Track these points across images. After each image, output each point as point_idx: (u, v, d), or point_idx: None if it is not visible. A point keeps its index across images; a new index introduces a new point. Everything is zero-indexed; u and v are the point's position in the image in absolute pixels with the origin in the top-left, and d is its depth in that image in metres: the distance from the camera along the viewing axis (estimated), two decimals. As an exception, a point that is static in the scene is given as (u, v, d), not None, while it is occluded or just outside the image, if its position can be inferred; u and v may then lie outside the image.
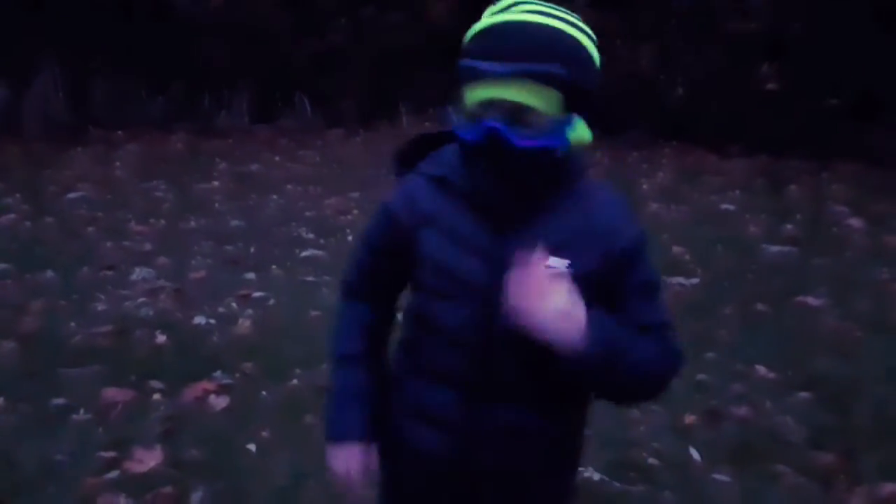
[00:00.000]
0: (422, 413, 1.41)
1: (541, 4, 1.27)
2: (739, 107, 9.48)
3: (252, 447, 2.86)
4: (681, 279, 4.68)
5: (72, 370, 3.33)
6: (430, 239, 1.35)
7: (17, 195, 6.28)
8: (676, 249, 5.29)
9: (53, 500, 2.51)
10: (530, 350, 1.25)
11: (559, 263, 1.27)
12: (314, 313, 3.95)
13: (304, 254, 5.17)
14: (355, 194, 6.66)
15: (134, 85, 9.79)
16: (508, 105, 1.22)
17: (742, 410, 3.22)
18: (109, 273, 4.66)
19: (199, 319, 3.97)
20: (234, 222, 5.89)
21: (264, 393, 3.27)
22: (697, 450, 2.91)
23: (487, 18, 1.27)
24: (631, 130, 9.30)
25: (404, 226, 1.38)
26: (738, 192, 7.29)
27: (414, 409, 1.42)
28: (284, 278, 4.68)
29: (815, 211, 6.58)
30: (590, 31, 1.29)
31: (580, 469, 1.87)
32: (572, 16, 1.28)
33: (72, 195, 6.44)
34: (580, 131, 1.26)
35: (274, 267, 4.86)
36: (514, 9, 1.26)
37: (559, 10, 1.27)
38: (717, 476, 2.76)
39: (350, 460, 1.45)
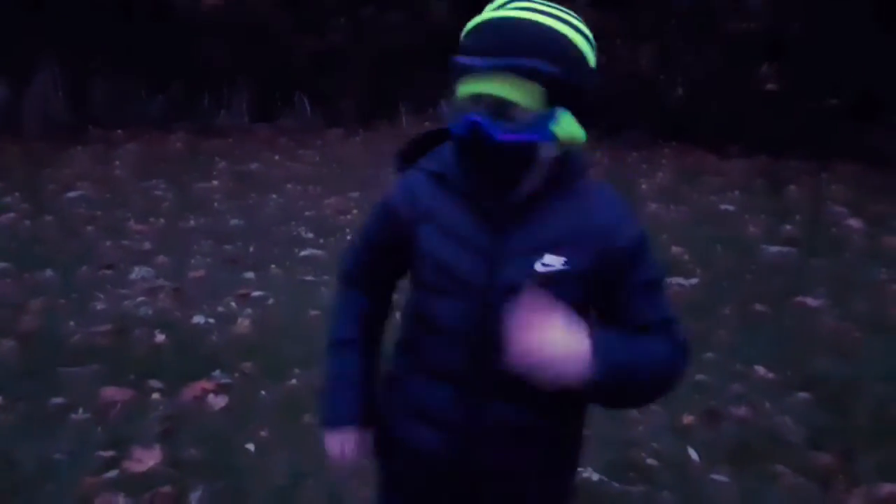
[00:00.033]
0: (421, 412, 1.41)
1: (536, 3, 1.27)
2: (739, 107, 9.49)
3: (251, 447, 2.86)
4: (680, 279, 4.68)
5: (71, 369, 3.33)
6: (429, 235, 1.36)
7: (17, 194, 6.28)
8: (676, 250, 5.30)
9: (52, 500, 2.51)
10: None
11: (555, 261, 1.29)
12: (313, 313, 3.95)
13: (303, 253, 5.17)
14: (355, 194, 6.66)
15: (134, 84, 9.79)
16: (492, 99, 1.24)
17: (741, 411, 3.22)
18: (109, 272, 4.66)
19: (198, 319, 3.97)
20: (234, 221, 5.90)
21: (263, 392, 3.27)
22: (696, 450, 2.91)
23: (481, 15, 1.29)
24: (630, 130, 9.31)
25: (403, 220, 1.39)
26: (737, 192, 7.29)
27: (413, 409, 1.42)
28: (284, 278, 4.68)
29: (814, 211, 6.58)
30: (585, 31, 1.29)
31: (579, 469, 1.87)
32: (569, 14, 1.28)
33: (71, 194, 6.45)
34: (566, 126, 1.26)
35: (273, 266, 4.86)
36: (509, 6, 1.27)
37: (554, 8, 1.27)
38: (716, 476, 2.76)
39: (346, 444, 1.47)
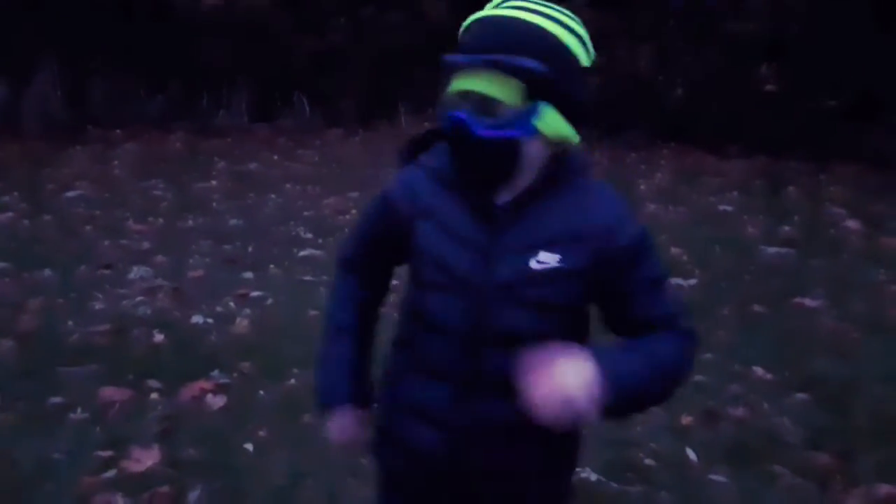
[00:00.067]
0: (417, 410, 1.41)
1: (531, 2, 1.28)
2: (738, 108, 9.49)
3: (249, 446, 2.86)
4: (679, 280, 4.68)
5: (69, 369, 3.33)
6: (428, 232, 1.36)
7: (16, 193, 6.28)
8: (674, 250, 5.30)
9: (51, 499, 2.51)
10: (523, 346, 1.25)
11: (550, 259, 1.29)
12: (312, 313, 3.94)
13: (302, 253, 5.17)
14: (354, 194, 6.66)
15: (133, 84, 9.79)
16: (478, 96, 1.25)
17: (739, 411, 3.22)
18: (107, 272, 4.66)
19: (197, 318, 3.97)
20: (233, 221, 5.90)
21: (262, 392, 3.27)
22: (694, 450, 2.92)
23: (475, 14, 1.30)
24: (629, 131, 9.31)
25: (402, 216, 1.39)
26: (736, 193, 7.30)
27: (410, 408, 1.42)
28: (283, 278, 4.68)
29: (812, 212, 6.59)
30: (578, 30, 1.29)
31: (577, 469, 1.87)
32: (562, 14, 1.29)
33: (70, 194, 6.45)
34: (551, 122, 1.26)
35: (272, 266, 4.86)
36: (504, 5, 1.28)
37: (548, 8, 1.28)
38: (714, 476, 2.76)
39: (344, 425, 1.48)
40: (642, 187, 7.39)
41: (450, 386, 1.37)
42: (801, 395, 3.35)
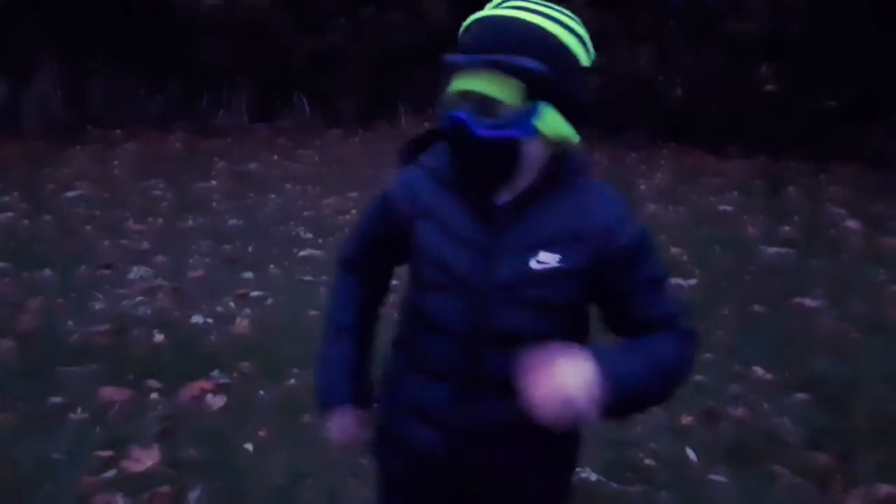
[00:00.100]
0: (417, 410, 1.41)
1: (531, 2, 1.28)
2: (738, 108, 9.49)
3: (249, 447, 2.86)
4: (679, 280, 4.68)
5: (69, 369, 3.33)
6: (428, 232, 1.36)
7: (16, 193, 6.28)
8: (674, 250, 5.30)
9: (50, 499, 2.51)
10: (523, 346, 1.25)
11: (550, 258, 1.29)
12: (312, 313, 3.94)
13: (302, 253, 5.17)
14: (354, 194, 6.66)
15: (133, 84, 9.79)
16: (478, 96, 1.25)
17: (739, 411, 3.22)
18: (107, 272, 4.66)
19: (197, 318, 3.97)
20: (233, 221, 5.89)
21: (262, 392, 3.27)
22: (694, 450, 2.92)
23: (475, 14, 1.30)
24: (629, 131, 9.31)
25: (402, 216, 1.39)
26: (736, 193, 7.30)
27: (410, 408, 1.42)
28: (282, 278, 4.68)
29: (812, 212, 6.59)
30: (578, 30, 1.29)
31: (577, 469, 1.87)
32: (562, 14, 1.29)
33: (70, 194, 6.44)
34: (550, 122, 1.26)
35: (272, 266, 4.86)
36: (504, 5, 1.28)
37: (548, 8, 1.28)
38: (714, 476, 2.77)
39: (344, 425, 1.48)
40: (642, 187, 7.39)
41: (450, 386, 1.37)
42: (801, 395, 3.35)
